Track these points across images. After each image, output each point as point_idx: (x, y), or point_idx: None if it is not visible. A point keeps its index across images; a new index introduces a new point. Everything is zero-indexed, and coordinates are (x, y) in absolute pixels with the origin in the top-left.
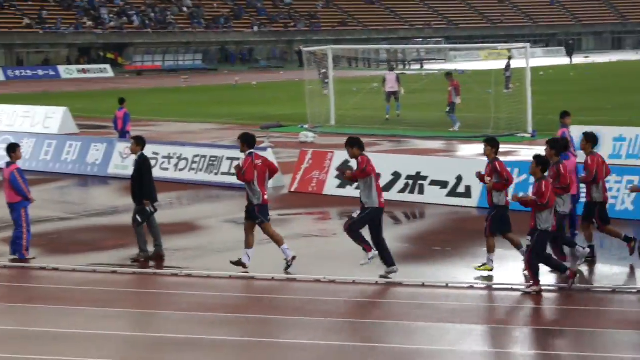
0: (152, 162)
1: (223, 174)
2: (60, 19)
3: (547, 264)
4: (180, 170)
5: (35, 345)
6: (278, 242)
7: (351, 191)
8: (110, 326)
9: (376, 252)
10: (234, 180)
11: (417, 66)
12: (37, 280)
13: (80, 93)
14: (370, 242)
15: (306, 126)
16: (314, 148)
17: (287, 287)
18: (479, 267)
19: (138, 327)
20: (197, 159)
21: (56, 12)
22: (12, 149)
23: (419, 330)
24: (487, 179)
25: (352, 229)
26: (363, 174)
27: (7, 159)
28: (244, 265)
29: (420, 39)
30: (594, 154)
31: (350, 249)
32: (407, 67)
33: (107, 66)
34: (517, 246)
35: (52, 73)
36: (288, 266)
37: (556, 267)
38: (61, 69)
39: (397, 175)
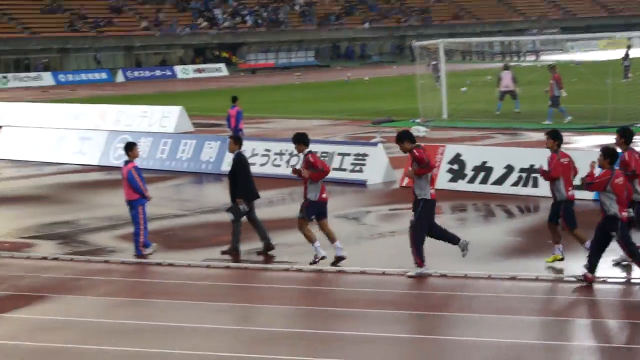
0: (264, 159)
1: (334, 169)
2: (175, 20)
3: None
4: (292, 166)
5: (150, 339)
6: (310, 239)
7: (463, 185)
8: (221, 320)
9: (426, 268)
10: (344, 175)
11: (533, 57)
12: (154, 276)
13: (195, 92)
14: (425, 258)
15: (418, 120)
16: (426, 142)
17: (397, 281)
18: (550, 259)
19: (248, 321)
20: None
21: (172, 14)
22: (130, 148)
23: (535, 324)
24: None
25: (416, 232)
26: (429, 169)
27: (125, 158)
28: (340, 258)
29: (535, 30)
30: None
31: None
32: (521, 58)
33: (222, 65)
34: (582, 241)
35: (168, 73)
36: (314, 262)
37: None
38: (177, 69)
39: (510, 169)
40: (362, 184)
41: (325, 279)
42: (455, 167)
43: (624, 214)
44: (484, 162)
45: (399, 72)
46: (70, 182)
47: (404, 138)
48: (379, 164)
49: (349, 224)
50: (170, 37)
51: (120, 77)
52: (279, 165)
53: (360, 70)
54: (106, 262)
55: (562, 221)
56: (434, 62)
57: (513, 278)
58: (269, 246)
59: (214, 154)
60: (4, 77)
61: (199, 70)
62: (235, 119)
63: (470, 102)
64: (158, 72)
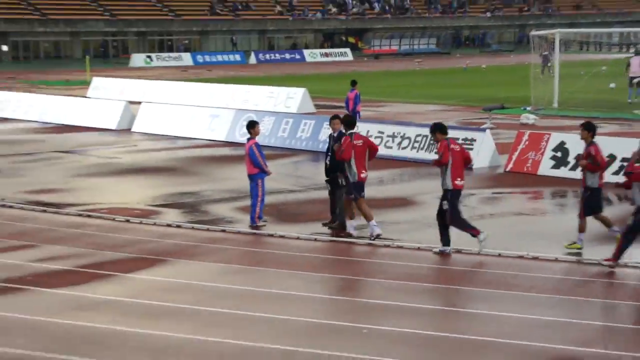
0: (377, 141)
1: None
2: (307, 6)
3: None
4: (403, 148)
5: (259, 304)
6: (367, 217)
7: (566, 172)
8: (323, 289)
9: (487, 233)
10: None
11: None
12: (266, 246)
13: (320, 75)
14: (475, 226)
15: (529, 108)
16: (533, 130)
17: (491, 262)
18: (569, 245)
19: (348, 292)
20: (419, 138)
21: (304, 0)
22: (252, 126)
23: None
24: (583, 161)
25: (454, 219)
26: (438, 163)
27: (248, 135)
28: (349, 235)
29: None
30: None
31: (557, 228)
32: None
33: (347, 50)
34: (609, 226)
35: (297, 57)
36: (372, 238)
37: None
38: (306, 52)
39: (611, 157)
40: (468, 168)
41: (419, 256)
42: (559, 154)
43: None
44: None
45: (517, 61)
46: (199, 156)
47: (436, 130)
48: (486, 149)
49: None
50: (301, 22)
51: (252, 59)
52: (390, 147)
53: (479, 59)
54: (223, 231)
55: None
56: (544, 53)
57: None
58: (338, 222)
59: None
60: (148, 57)
61: (326, 55)
62: (353, 101)
63: (581, 92)
64: (288, 55)
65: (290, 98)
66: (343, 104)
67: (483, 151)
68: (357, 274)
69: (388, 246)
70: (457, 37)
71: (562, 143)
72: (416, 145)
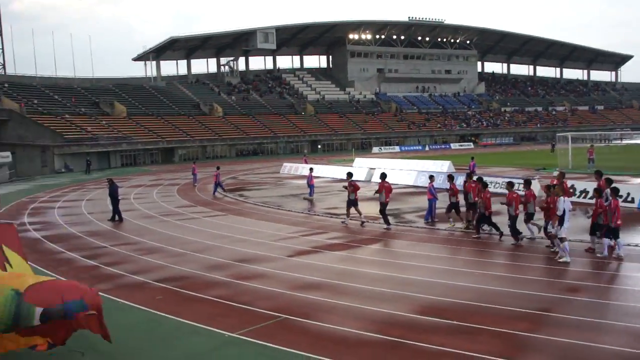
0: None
1: None
2: (451, 125)
3: None
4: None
5: None
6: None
7: (578, 200)
8: None
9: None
10: None
11: None
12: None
13: (459, 154)
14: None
15: (557, 168)
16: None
17: None
18: None
19: None
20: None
21: (454, 120)
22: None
23: None
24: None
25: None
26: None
27: (429, 181)
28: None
29: None
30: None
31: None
32: None
33: (471, 143)
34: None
35: (448, 147)
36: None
37: None
38: (452, 145)
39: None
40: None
41: None
42: (571, 190)
43: None
44: None
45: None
46: (402, 192)
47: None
48: (535, 188)
49: None
50: (449, 132)
51: (427, 148)
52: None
53: (534, 146)
54: (410, 227)
55: None
56: (553, 142)
57: None
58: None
59: None
60: (379, 148)
61: (460, 145)
62: (472, 166)
63: (584, 160)
64: (443, 146)
65: (444, 165)
66: (467, 168)
67: (534, 189)
68: None
69: None
70: (522, 137)
71: (572, 185)
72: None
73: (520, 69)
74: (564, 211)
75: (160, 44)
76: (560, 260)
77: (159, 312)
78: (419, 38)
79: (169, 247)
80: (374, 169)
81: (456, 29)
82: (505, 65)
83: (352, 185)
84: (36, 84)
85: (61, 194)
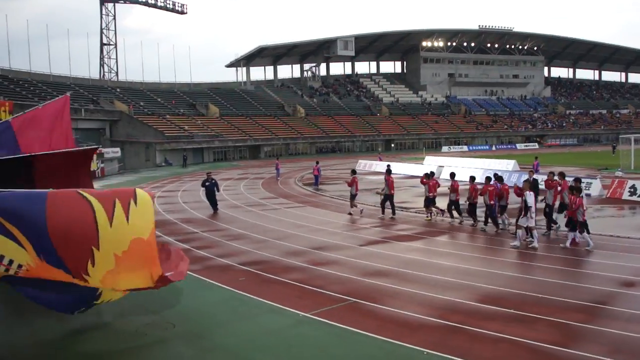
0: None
1: None
2: (522, 127)
3: None
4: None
5: None
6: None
7: (635, 198)
8: None
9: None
10: None
11: None
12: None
13: (523, 154)
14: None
15: (620, 169)
16: (620, 179)
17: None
18: None
19: None
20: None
21: (523, 123)
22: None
23: None
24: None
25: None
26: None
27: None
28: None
29: None
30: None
31: (631, 223)
32: None
33: (536, 144)
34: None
35: (514, 147)
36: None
37: None
38: (518, 145)
39: None
40: (587, 194)
41: None
42: (632, 190)
43: None
44: None
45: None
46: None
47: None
48: (597, 187)
49: None
50: (516, 133)
51: (494, 147)
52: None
53: (598, 147)
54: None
55: None
56: (614, 144)
57: None
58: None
59: None
60: (448, 147)
61: (526, 145)
62: (536, 165)
63: None
64: (509, 146)
65: (509, 163)
66: (531, 167)
67: (596, 187)
68: None
69: None
70: (586, 138)
71: (633, 185)
72: None
73: (585, 74)
74: (526, 203)
75: (250, 52)
76: (530, 245)
77: (241, 292)
78: (488, 45)
79: (252, 234)
80: (443, 166)
81: (524, 37)
82: (571, 70)
83: (353, 182)
84: (143, 89)
85: (160, 185)
